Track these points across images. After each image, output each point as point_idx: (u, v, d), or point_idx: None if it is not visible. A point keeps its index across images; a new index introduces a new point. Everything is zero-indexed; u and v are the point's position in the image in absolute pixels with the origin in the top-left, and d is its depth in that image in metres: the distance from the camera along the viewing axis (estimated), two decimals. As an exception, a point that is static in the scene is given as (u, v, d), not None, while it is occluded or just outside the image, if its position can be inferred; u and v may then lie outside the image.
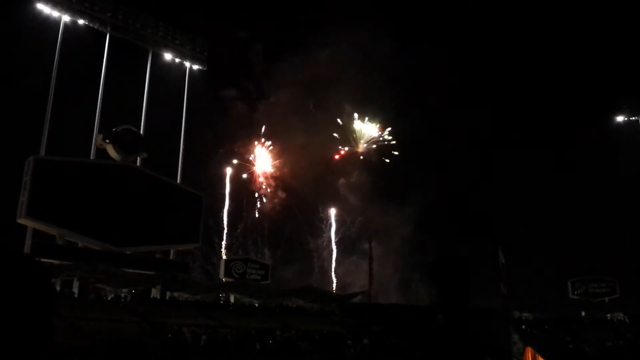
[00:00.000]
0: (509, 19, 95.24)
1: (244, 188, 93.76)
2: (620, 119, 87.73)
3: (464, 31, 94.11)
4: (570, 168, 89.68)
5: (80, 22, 69.55)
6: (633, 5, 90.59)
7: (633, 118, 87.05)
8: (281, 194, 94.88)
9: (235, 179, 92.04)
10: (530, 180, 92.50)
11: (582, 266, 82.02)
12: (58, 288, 54.96)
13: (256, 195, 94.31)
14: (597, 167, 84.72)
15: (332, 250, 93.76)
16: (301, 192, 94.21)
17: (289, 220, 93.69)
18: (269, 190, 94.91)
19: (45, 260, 54.78)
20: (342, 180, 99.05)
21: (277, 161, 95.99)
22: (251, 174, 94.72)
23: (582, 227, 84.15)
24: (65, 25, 68.04)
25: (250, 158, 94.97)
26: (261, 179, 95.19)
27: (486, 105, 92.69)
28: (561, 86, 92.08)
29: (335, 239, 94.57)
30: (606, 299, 79.78)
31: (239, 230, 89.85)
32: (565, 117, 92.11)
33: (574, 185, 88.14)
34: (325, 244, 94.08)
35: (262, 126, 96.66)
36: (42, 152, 61.99)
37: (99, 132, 66.47)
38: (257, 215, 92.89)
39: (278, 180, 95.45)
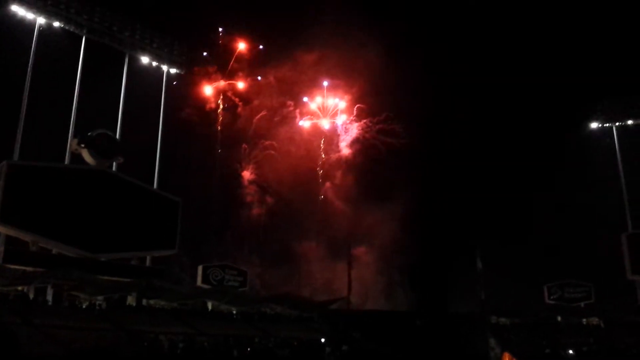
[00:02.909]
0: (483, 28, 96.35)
1: (230, 193, 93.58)
2: (594, 125, 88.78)
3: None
4: (546, 174, 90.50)
5: (56, 24, 68.35)
6: (607, 12, 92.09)
7: (607, 125, 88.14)
8: (269, 199, 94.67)
9: (222, 184, 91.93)
10: (506, 186, 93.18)
11: (557, 271, 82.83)
12: (31, 296, 53.96)
13: (243, 198, 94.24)
14: (572, 173, 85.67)
15: (319, 255, 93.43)
16: (287, 197, 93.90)
17: (276, 225, 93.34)
18: (255, 195, 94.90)
19: (18, 267, 53.93)
20: (327, 184, 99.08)
21: (261, 165, 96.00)
22: (237, 178, 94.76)
23: (557, 232, 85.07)
24: (40, 27, 66.85)
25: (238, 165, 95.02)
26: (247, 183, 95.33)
27: (463, 112, 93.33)
28: (536, 93, 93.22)
29: (322, 243, 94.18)
30: (582, 304, 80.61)
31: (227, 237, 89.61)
32: (541, 124, 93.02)
33: (550, 191, 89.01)
34: (312, 248, 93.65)
35: (245, 130, 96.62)
36: (16, 157, 60.66)
37: (74, 136, 65.38)
38: (244, 220, 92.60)
39: (264, 185, 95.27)
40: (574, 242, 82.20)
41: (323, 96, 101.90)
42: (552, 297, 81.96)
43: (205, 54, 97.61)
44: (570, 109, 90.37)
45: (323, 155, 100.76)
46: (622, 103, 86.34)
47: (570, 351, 65.69)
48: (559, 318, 77.28)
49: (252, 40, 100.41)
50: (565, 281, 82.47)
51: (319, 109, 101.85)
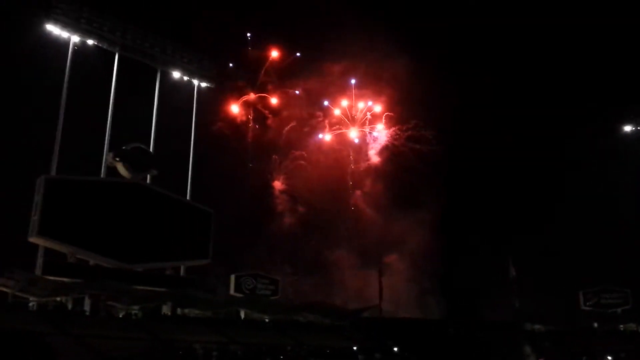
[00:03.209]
0: (517, 31, 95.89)
1: (262, 203, 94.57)
2: (628, 128, 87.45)
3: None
4: (580, 178, 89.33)
5: (90, 42, 70.32)
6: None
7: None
8: (300, 209, 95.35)
9: (254, 193, 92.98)
10: (540, 191, 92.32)
11: (593, 277, 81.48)
12: (70, 306, 55.35)
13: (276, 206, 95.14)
14: (606, 177, 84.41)
15: (350, 263, 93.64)
16: (318, 206, 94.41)
17: (307, 234, 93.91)
18: (287, 205, 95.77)
19: (56, 278, 55.42)
20: (357, 192, 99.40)
21: (292, 175, 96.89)
22: (269, 189, 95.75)
23: (592, 237, 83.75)
24: (75, 45, 68.85)
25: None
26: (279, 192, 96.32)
27: (495, 116, 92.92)
28: (570, 96, 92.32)
29: (353, 251, 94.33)
30: (618, 310, 79.16)
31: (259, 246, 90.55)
32: (575, 127, 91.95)
33: (584, 196, 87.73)
34: (343, 257, 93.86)
35: (275, 141, 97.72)
36: (53, 172, 62.42)
37: (109, 150, 66.99)
38: (276, 230, 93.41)
39: (296, 195, 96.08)
40: (610, 248, 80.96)
41: (351, 105, 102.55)
42: (587, 304, 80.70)
43: (234, 67, 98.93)
44: (603, 113, 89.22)
45: (352, 165, 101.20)
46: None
47: (609, 357, 64.64)
48: (595, 325, 76.12)
49: (281, 52, 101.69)
50: (601, 287, 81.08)
51: (348, 118, 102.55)
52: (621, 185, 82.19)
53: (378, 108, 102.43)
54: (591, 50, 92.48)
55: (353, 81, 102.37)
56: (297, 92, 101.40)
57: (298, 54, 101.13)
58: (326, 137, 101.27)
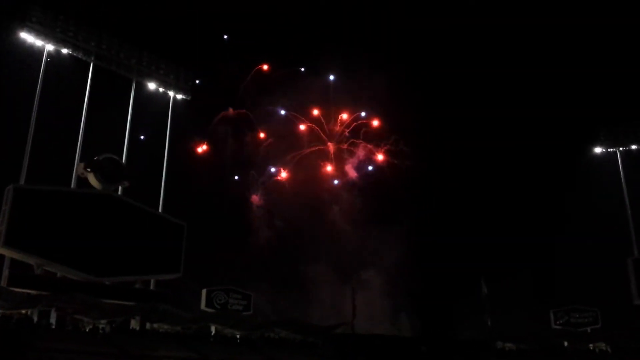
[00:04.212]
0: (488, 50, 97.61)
1: (239, 218, 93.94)
2: (598, 150, 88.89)
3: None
4: (551, 199, 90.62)
5: (64, 51, 69.46)
6: (612, 40, 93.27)
7: (611, 149, 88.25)
8: (277, 224, 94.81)
9: (231, 209, 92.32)
10: (512, 211, 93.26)
11: (563, 296, 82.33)
12: (35, 319, 53.99)
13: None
14: (577, 198, 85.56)
15: (328, 279, 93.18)
16: (296, 222, 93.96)
17: (285, 250, 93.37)
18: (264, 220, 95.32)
19: (22, 290, 54.08)
20: (335, 207, 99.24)
21: (269, 190, 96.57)
22: (246, 204, 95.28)
23: (563, 256, 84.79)
24: (49, 54, 67.97)
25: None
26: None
27: (468, 139, 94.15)
28: (540, 119, 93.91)
29: (331, 267, 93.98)
30: (588, 329, 79.88)
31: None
32: (545, 149, 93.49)
33: (555, 216, 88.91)
34: (321, 272, 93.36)
35: (253, 156, 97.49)
36: (22, 181, 61.16)
37: (81, 160, 65.95)
38: (253, 246, 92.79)
39: (273, 210, 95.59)
40: (580, 267, 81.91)
41: (331, 121, 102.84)
42: (558, 322, 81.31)
43: (212, 80, 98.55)
44: (574, 135, 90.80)
45: (330, 180, 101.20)
46: (625, 128, 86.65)
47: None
48: (566, 343, 76.70)
49: (262, 67, 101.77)
50: (571, 306, 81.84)
51: (326, 133, 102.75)
52: (593, 206, 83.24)
53: (357, 123, 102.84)
54: (560, 72, 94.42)
55: (331, 93, 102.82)
56: (276, 108, 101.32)
57: (280, 70, 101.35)
58: (304, 152, 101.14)
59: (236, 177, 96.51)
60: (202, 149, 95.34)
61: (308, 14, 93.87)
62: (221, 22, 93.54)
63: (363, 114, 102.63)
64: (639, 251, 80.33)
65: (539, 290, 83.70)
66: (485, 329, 77.25)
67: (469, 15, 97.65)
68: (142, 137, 70.84)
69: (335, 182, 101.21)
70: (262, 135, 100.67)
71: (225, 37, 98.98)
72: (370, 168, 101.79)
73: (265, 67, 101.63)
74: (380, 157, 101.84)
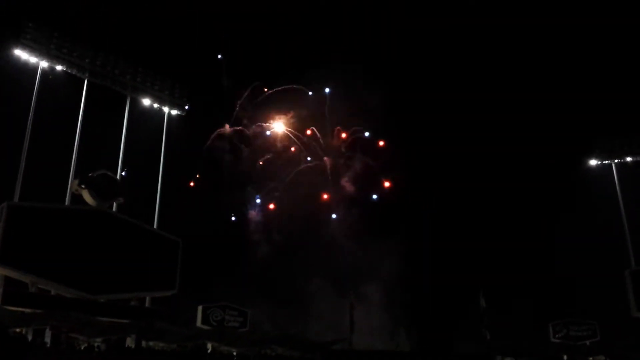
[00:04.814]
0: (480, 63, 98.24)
1: (237, 234, 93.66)
2: (593, 162, 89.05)
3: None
4: (547, 212, 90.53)
5: (59, 67, 69.48)
6: (605, 49, 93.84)
7: (606, 162, 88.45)
8: (274, 240, 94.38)
9: (228, 225, 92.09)
10: (508, 224, 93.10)
11: (562, 309, 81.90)
12: (29, 337, 53.28)
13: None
14: (574, 211, 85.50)
15: (326, 294, 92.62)
16: (294, 237, 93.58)
17: (283, 265, 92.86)
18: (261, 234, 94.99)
19: (16, 308, 53.45)
20: (332, 221, 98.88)
21: (267, 206, 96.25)
22: (244, 220, 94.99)
23: (561, 269, 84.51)
24: (43, 70, 67.90)
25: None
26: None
27: (467, 155, 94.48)
28: (536, 132, 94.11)
29: (329, 281, 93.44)
30: (587, 342, 79.36)
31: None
32: (540, 162, 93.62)
33: (552, 229, 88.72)
34: (320, 287, 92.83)
35: (250, 171, 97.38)
36: (17, 198, 60.81)
37: (75, 177, 65.62)
38: (251, 262, 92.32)
39: (270, 226, 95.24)
40: (578, 280, 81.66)
41: (328, 135, 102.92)
42: (557, 336, 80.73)
43: (207, 97, 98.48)
44: (570, 147, 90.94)
45: (328, 194, 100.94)
46: (621, 140, 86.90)
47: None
48: (565, 357, 76.17)
49: (257, 85, 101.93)
50: (570, 319, 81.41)
51: (322, 148, 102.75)
52: (590, 218, 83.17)
53: (354, 136, 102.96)
54: (555, 86, 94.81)
55: (327, 109, 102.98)
56: (272, 124, 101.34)
57: (277, 88, 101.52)
58: (302, 167, 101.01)
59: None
60: (198, 165, 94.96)
61: (303, 28, 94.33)
62: (216, 38, 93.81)
63: (366, 134, 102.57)
64: (637, 263, 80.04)
65: (538, 303, 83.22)
66: (484, 343, 76.68)
67: (468, 17, 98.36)
68: (124, 172, 70.26)
69: (332, 196, 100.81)
70: (258, 149, 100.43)
71: (220, 56, 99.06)
72: (375, 197, 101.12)
73: (260, 84, 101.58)
74: (376, 169, 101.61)
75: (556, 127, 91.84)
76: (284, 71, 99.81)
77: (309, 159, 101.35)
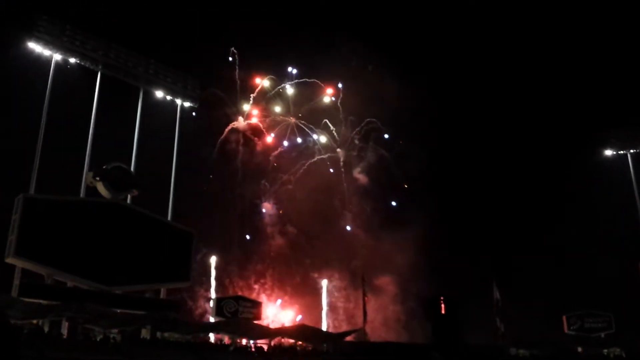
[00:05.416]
0: (497, 54, 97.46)
1: (252, 226, 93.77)
2: (608, 152, 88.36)
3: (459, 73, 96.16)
4: (563, 203, 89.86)
5: (72, 60, 69.75)
6: (622, 41, 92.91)
7: (621, 152, 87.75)
8: (289, 231, 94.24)
9: (243, 217, 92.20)
10: (523, 215, 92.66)
11: (577, 301, 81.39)
12: (46, 329, 53.67)
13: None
14: (589, 201, 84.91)
15: (341, 285, 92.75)
16: (309, 229, 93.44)
17: (298, 257, 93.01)
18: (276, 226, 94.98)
19: (33, 300, 53.79)
20: (346, 213, 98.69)
21: (281, 199, 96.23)
22: (258, 212, 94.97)
23: (575, 261, 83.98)
24: (57, 63, 68.14)
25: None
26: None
27: (482, 139, 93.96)
28: (551, 123, 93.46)
29: (344, 272, 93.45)
30: (602, 334, 78.99)
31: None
32: (558, 151, 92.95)
33: (567, 220, 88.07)
34: (334, 278, 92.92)
35: (264, 164, 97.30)
36: (32, 191, 61.19)
37: (90, 169, 65.87)
38: (266, 253, 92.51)
39: (285, 218, 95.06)
40: (592, 272, 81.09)
41: (340, 126, 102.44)
42: (571, 328, 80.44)
43: (220, 89, 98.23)
44: (584, 137, 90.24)
45: (341, 186, 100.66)
46: (636, 131, 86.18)
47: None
48: (580, 349, 75.89)
49: (272, 77, 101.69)
50: (585, 311, 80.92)
51: (335, 140, 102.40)
52: (604, 209, 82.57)
53: (366, 128, 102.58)
54: (571, 76, 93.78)
55: (339, 102, 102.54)
56: (285, 116, 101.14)
57: (289, 83, 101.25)
58: (315, 160, 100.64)
59: (239, 185, 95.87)
60: (211, 156, 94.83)
61: (316, 21, 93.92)
62: (229, 30, 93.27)
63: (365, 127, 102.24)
64: (652, 254, 79.42)
65: (552, 295, 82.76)
66: (498, 335, 76.51)
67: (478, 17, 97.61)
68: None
69: (343, 187, 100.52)
70: (271, 143, 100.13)
71: (233, 49, 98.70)
72: (394, 203, 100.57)
73: (274, 77, 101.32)
74: (389, 161, 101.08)
75: (572, 118, 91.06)
76: (298, 64, 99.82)
77: (322, 150, 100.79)
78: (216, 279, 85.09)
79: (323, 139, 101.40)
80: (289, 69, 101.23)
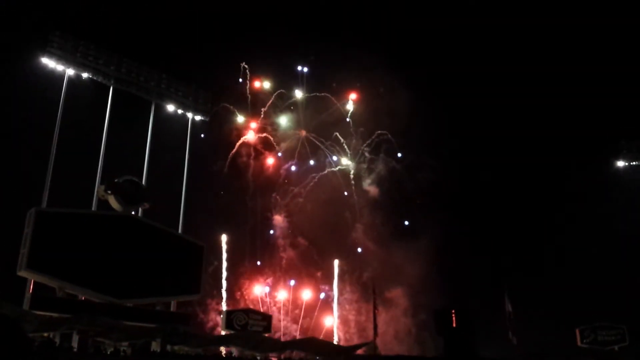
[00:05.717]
0: (508, 62, 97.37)
1: (262, 239, 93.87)
2: (620, 163, 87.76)
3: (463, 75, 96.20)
4: (575, 214, 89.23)
5: (84, 75, 70.76)
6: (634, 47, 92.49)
7: (634, 163, 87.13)
8: (300, 244, 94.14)
9: (253, 231, 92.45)
10: (535, 226, 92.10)
11: (590, 314, 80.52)
12: (57, 342, 53.95)
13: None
14: (602, 213, 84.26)
15: (352, 298, 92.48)
16: (319, 241, 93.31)
17: (308, 269, 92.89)
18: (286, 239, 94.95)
19: (44, 313, 54.17)
20: (357, 225, 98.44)
21: (292, 212, 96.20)
22: (269, 225, 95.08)
23: (588, 273, 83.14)
24: (70, 78, 69.13)
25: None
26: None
27: (489, 152, 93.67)
28: (563, 132, 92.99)
29: (354, 285, 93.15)
30: (616, 347, 78.06)
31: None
32: (567, 162, 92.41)
33: (579, 231, 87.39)
34: (345, 291, 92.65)
35: (274, 177, 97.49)
36: (44, 204, 61.84)
37: (101, 183, 66.47)
38: (277, 266, 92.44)
39: (296, 231, 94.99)
40: (605, 283, 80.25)
41: (350, 139, 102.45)
42: (585, 341, 79.45)
43: (231, 103, 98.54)
44: (597, 148, 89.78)
45: (351, 197, 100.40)
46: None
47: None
48: (594, 362, 75.07)
49: (282, 90, 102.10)
50: (598, 324, 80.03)
51: (345, 152, 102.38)
52: (617, 220, 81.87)
53: (376, 138, 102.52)
54: (583, 85, 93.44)
55: (349, 118, 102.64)
56: (296, 130, 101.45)
57: (299, 95, 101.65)
58: (325, 172, 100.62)
59: (249, 199, 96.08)
60: (222, 170, 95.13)
61: (325, 32, 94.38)
62: (240, 45, 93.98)
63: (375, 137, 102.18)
64: (666, 266, 78.62)
65: (565, 308, 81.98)
66: (511, 349, 75.81)
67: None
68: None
69: (354, 199, 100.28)
70: (282, 156, 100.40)
71: (243, 64, 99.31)
72: (406, 223, 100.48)
73: (284, 91, 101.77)
74: (400, 172, 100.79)
75: (583, 129, 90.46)
76: (308, 77, 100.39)
77: (333, 163, 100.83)
78: (227, 291, 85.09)
79: (335, 157, 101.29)
80: (299, 74, 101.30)
